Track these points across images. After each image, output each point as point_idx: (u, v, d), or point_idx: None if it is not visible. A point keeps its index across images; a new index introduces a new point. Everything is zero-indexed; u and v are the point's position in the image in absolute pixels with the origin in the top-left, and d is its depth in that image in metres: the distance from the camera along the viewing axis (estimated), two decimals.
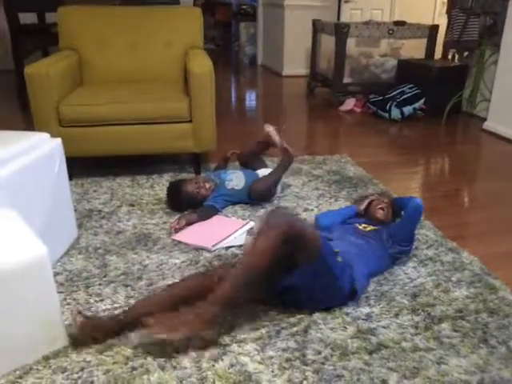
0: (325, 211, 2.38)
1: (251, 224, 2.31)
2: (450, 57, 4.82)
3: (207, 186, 2.49)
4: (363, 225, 2.03)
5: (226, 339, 1.56)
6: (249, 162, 2.79)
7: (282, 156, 2.66)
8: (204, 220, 2.34)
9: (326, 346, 1.53)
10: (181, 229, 2.25)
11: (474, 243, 2.21)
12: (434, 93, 4.33)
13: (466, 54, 4.56)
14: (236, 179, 2.55)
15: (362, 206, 2.17)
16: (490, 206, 2.64)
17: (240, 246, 2.14)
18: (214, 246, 2.12)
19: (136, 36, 3.20)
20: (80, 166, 2.97)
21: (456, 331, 1.61)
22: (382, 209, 2.13)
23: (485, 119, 4.10)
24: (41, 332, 1.48)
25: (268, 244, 1.47)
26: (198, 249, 2.12)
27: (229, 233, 2.22)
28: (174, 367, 1.45)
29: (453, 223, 2.42)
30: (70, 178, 2.54)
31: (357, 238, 1.91)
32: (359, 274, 1.72)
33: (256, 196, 2.52)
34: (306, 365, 1.46)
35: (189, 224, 2.28)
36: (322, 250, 1.57)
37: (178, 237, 2.20)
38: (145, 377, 1.41)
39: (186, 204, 2.46)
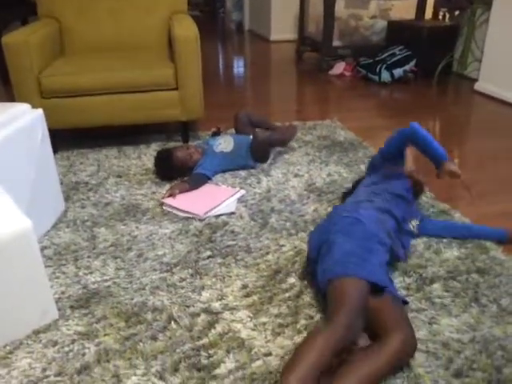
0: None
1: (242, 192, 2.29)
2: (440, 16, 4.72)
3: (199, 150, 2.48)
4: (413, 223, 1.85)
5: (218, 307, 1.56)
6: (242, 130, 2.73)
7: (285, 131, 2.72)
8: (195, 189, 2.30)
9: (318, 310, 1.53)
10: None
11: (466, 204, 2.20)
12: (424, 54, 4.25)
13: (456, 13, 4.46)
14: (224, 142, 2.53)
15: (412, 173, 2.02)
16: (481, 167, 2.62)
17: (231, 213, 2.11)
18: (205, 213, 2.09)
19: (116, 1, 3.08)
20: (65, 139, 2.90)
21: (447, 291, 1.61)
22: (415, 172, 2.02)
23: (475, 80, 4.05)
24: (30, 306, 1.46)
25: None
26: (188, 217, 2.09)
27: (220, 201, 2.19)
28: (167, 337, 1.44)
29: (444, 185, 2.40)
30: (56, 150, 2.50)
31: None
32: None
33: (256, 145, 2.50)
34: (299, 330, 1.46)
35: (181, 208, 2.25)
36: None
37: (169, 201, 2.17)
38: (137, 347, 1.40)
39: (178, 171, 2.42)
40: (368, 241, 1.51)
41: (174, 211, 2.14)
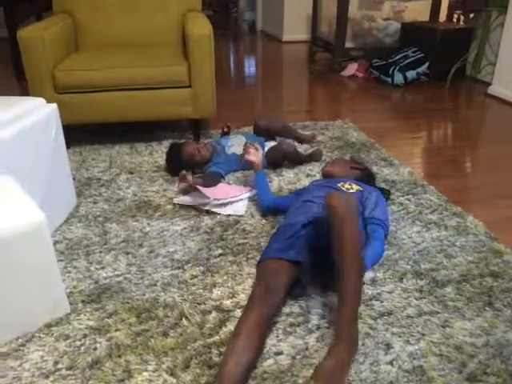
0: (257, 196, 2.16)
1: (254, 192, 2.28)
2: (455, 19, 4.68)
3: (208, 146, 2.47)
4: (346, 186, 1.91)
5: (229, 305, 1.55)
6: (262, 134, 2.71)
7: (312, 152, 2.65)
8: (208, 186, 2.29)
9: (330, 310, 1.52)
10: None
11: (479, 207, 2.18)
12: (437, 57, 4.22)
13: (471, 15, 4.42)
14: (237, 144, 2.51)
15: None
16: (494, 171, 2.59)
17: (239, 216, 2.10)
18: (216, 199, 2.10)
19: None
20: (77, 134, 2.92)
21: (461, 295, 1.60)
22: (327, 164, 2.18)
23: (489, 84, 4.02)
24: (42, 300, 1.46)
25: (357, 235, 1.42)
26: (198, 206, 2.11)
27: (232, 195, 2.19)
28: (178, 333, 1.44)
29: (457, 188, 2.39)
30: (68, 146, 2.50)
31: None
32: None
33: (279, 151, 2.48)
34: (311, 330, 1.45)
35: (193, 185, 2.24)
36: None
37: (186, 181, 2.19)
38: (148, 343, 1.40)
39: (185, 164, 2.42)
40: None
41: (186, 201, 2.16)
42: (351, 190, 1.88)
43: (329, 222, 1.44)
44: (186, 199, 2.19)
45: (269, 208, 2.09)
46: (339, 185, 1.92)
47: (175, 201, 2.19)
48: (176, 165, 2.43)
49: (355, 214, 1.45)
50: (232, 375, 1.19)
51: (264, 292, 1.41)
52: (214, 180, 2.33)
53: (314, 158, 2.63)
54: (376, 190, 1.99)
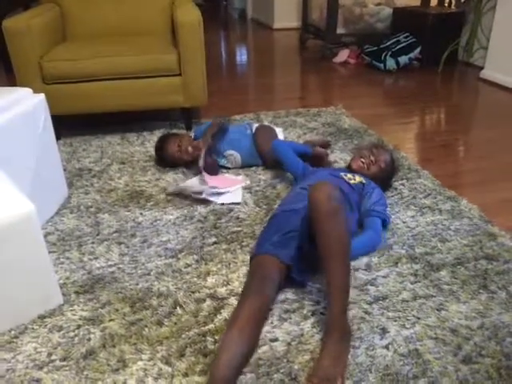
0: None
1: (248, 182, 2.26)
2: (446, 3, 4.65)
3: (189, 149, 2.31)
4: (349, 175, 1.90)
5: (224, 293, 1.54)
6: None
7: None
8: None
9: (324, 296, 1.52)
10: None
11: (473, 191, 2.17)
12: (430, 41, 4.20)
13: None
14: (229, 163, 2.41)
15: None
16: (487, 154, 2.59)
17: (237, 203, 2.09)
18: (211, 187, 2.09)
19: None
20: (68, 125, 2.88)
21: (455, 278, 1.59)
22: (362, 162, 2.00)
23: (481, 68, 4.00)
24: (34, 291, 1.45)
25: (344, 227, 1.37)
26: (191, 191, 2.09)
27: (227, 185, 2.18)
28: (173, 322, 1.43)
29: (451, 172, 2.38)
30: (58, 137, 2.48)
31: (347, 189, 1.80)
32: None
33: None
34: (305, 316, 1.44)
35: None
36: None
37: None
38: (143, 332, 1.39)
39: (171, 163, 2.39)
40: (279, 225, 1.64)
41: (179, 189, 2.15)
42: (352, 181, 1.86)
43: (312, 216, 1.40)
44: (179, 187, 2.16)
45: (277, 151, 2.17)
46: (342, 174, 1.89)
47: (167, 191, 2.17)
48: (162, 162, 2.42)
49: (341, 210, 1.38)
50: (224, 368, 1.17)
51: (260, 282, 1.39)
52: (213, 170, 2.29)
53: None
54: (377, 186, 1.95)
